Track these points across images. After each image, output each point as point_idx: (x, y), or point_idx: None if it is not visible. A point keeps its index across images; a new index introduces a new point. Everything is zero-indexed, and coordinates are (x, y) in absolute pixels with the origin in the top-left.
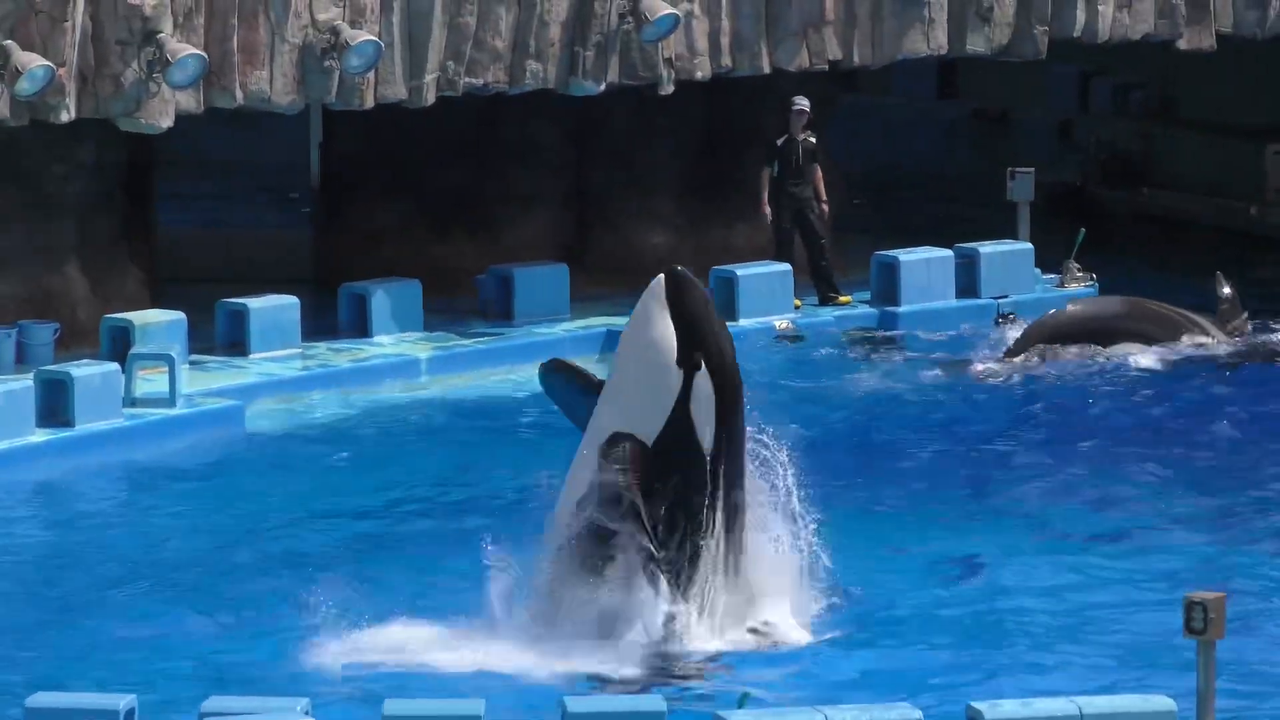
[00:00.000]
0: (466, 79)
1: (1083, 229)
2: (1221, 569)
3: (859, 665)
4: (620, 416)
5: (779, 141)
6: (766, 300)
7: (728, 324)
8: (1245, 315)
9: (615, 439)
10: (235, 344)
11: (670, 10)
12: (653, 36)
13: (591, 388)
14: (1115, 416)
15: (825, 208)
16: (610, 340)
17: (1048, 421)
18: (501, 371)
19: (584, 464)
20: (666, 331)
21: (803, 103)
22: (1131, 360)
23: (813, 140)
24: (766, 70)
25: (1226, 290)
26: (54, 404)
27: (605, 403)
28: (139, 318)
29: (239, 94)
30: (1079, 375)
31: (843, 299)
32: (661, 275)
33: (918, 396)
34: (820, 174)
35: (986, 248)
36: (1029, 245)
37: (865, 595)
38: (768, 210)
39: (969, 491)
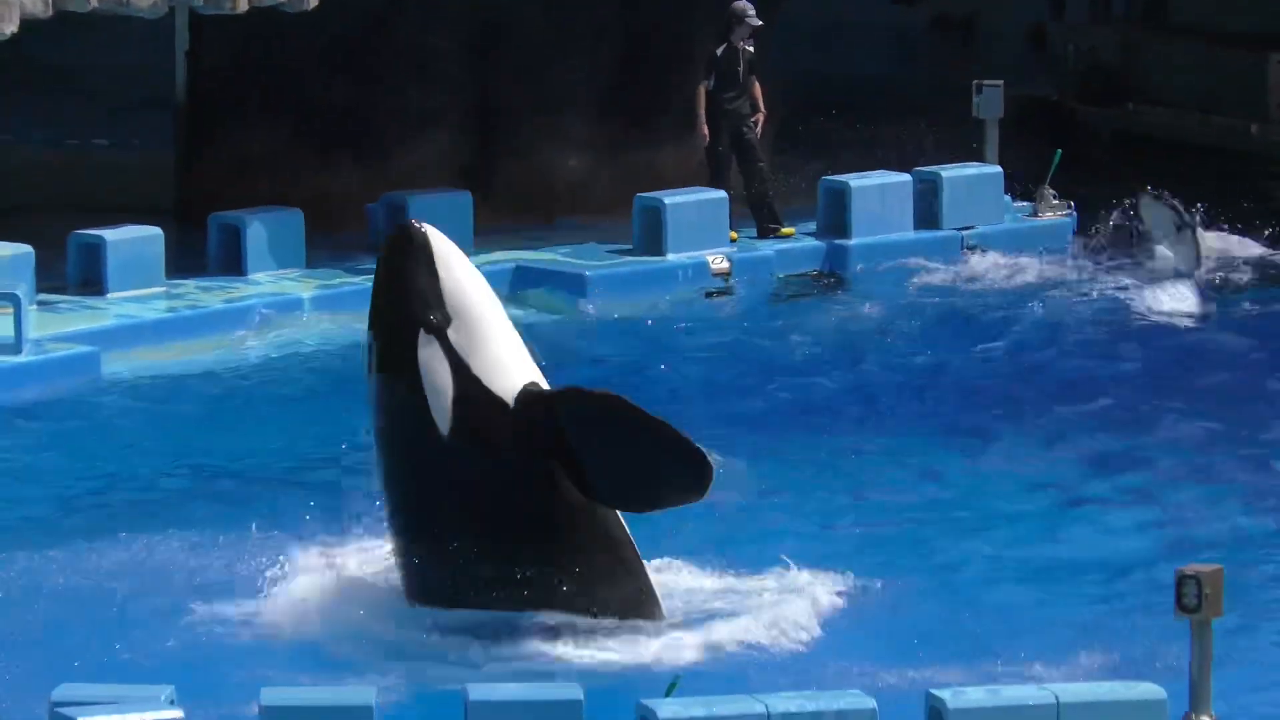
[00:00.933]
0: None
1: (1059, 150)
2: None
3: (823, 650)
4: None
5: (718, 51)
6: (698, 233)
7: (658, 259)
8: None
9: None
10: (90, 282)
11: None
12: None
13: None
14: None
15: (762, 117)
16: (520, 277)
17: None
18: None
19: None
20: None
21: (753, 14)
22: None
23: (750, 49)
24: None
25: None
26: None
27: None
28: None
29: None
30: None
31: (785, 231)
32: (428, 231)
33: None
34: (758, 86)
35: (949, 172)
36: (998, 169)
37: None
38: (705, 131)
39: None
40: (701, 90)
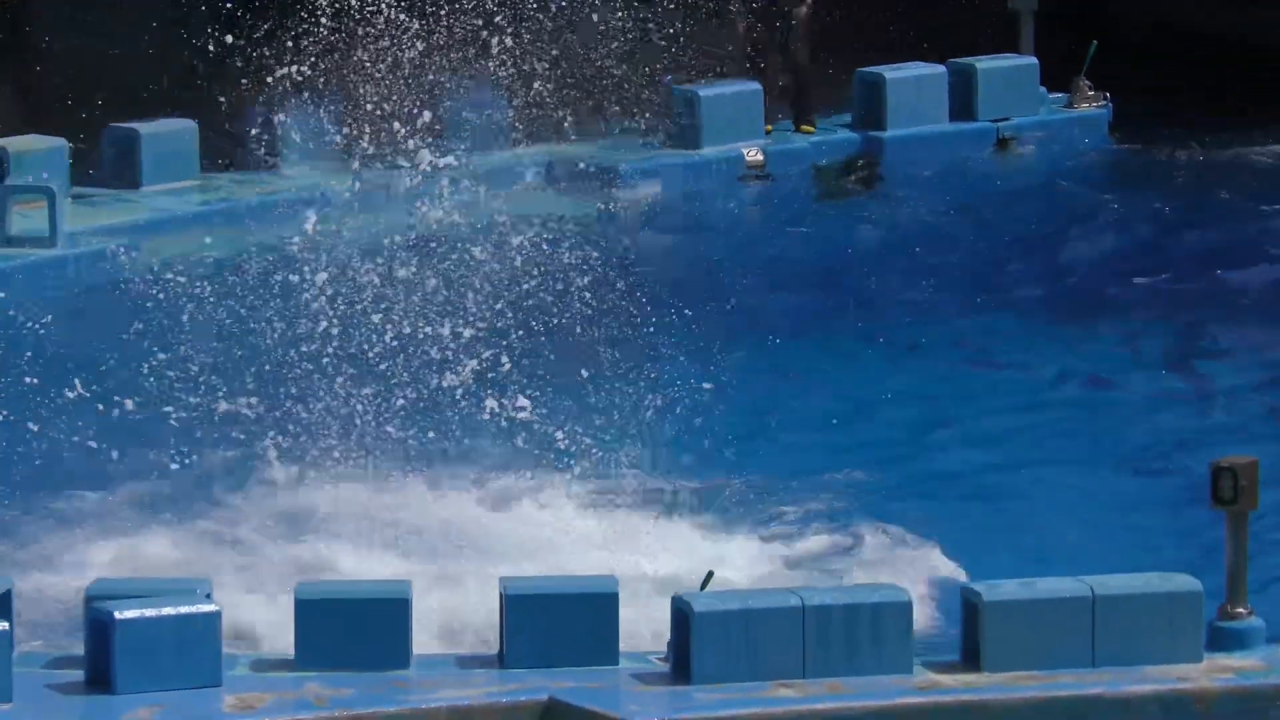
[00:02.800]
0: None
1: (1095, 41)
2: None
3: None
4: None
5: None
6: (732, 125)
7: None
8: None
9: None
10: (125, 175)
11: None
12: None
13: None
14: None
15: (807, 8)
16: (555, 170)
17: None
18: None
19: None
20: None
21: None
22: None
23: None
24: None
25: None
26: None
27: None
28: (13, 144)
29: None
30: None
31: (805, 128)
32: None
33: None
34: None
35: (985, 63)
36: (1033, 60)
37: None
38: None
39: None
40: None
